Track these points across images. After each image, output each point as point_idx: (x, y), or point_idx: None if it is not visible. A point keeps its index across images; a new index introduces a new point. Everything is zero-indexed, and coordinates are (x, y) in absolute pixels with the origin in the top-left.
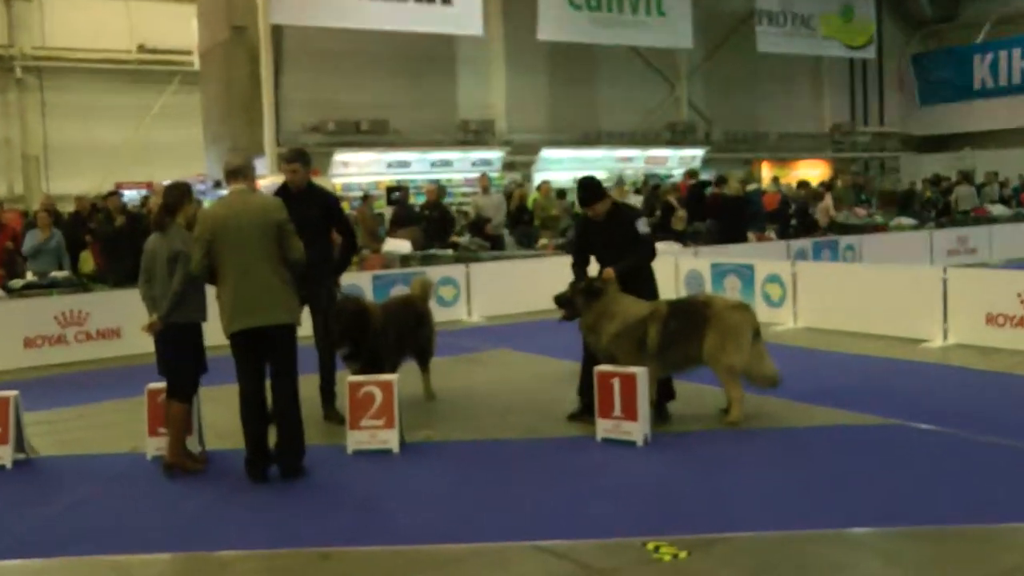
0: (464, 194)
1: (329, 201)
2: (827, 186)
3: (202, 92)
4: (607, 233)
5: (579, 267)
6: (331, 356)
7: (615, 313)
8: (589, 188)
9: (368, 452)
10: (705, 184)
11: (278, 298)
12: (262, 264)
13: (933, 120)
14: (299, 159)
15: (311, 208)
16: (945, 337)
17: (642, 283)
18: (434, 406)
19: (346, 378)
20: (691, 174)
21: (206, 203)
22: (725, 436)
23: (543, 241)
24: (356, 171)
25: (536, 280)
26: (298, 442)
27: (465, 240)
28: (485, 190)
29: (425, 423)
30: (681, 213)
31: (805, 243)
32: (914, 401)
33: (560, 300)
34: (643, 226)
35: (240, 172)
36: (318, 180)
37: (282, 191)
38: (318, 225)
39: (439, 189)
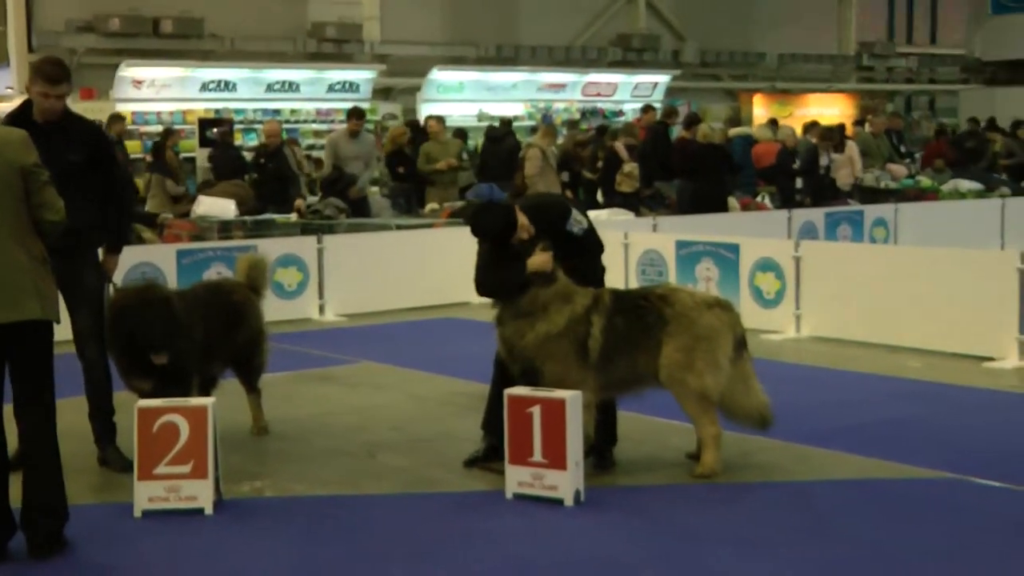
0: (316, 133)
1: (96, 138)
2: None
3: None
4: (526, 252)
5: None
6: (105, 370)
7: (567, 298)
8: (496, 221)
9: (167, 513)
10: (669, 125)
11: (25, 282)
12: (1, 230)
13: (1011, 38)
14: (68, 77)
15: (70, 148)
16: (1022, 354)
17: (583, 273)
18: (267, 444)
19: (134, 403)
20: (650, 109)
21: None
22: (696, 494)
23: (431, 206)
24: (153, 94)
25: (420, 261)
26: (57, 498)
27: (316, 202)
28: (354, 133)
29: (253, 470)
30: (630, 167)
31: (815, 214)
32: (975, 446)
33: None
34: (576, 225)
35: None
36: (95, 105)
37: (20, 120)
38: (81, 175)
39: (279, 127)
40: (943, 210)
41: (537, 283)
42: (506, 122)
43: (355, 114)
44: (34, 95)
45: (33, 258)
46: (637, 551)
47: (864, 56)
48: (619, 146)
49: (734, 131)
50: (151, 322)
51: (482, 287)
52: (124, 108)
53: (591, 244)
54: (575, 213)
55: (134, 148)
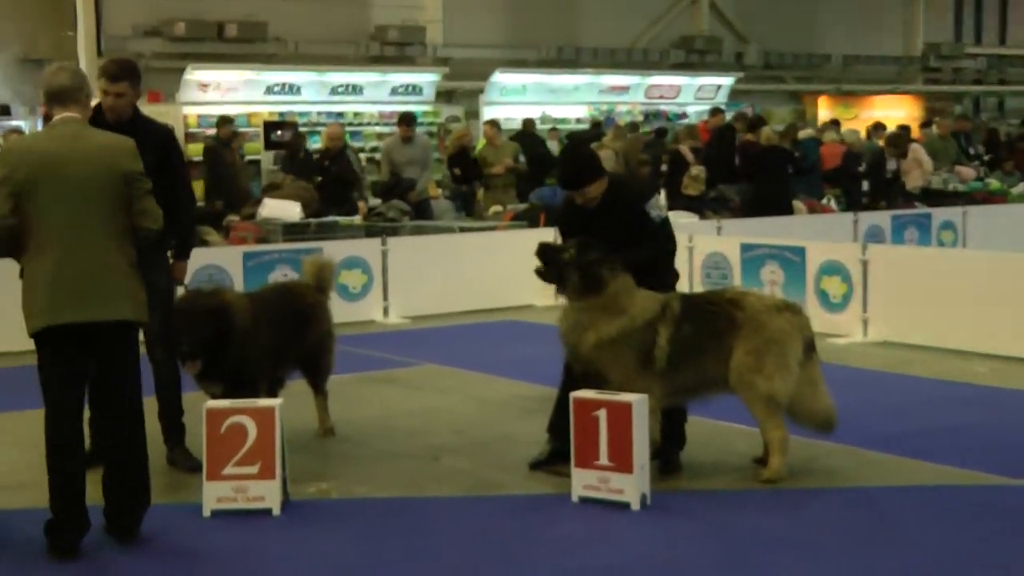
0: (379, 135)
1: (166, 140)
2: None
3: None
4: (602, 223)
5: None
6: (175, 371)
7: (622, 309)
8: (577, 164)
9: (235, 513)
10: (733, 128)
11: (120, 284)
12: (100, 233)
13: None
14: (129, 76)
15: (140, 150)
16: None
17: (657, 278)
18: (333, 446)
19: (202, 405)
20: (718, 112)
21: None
22: (762, 499)
23: (494, 208)
24: (218, 97)
25: (483, 264)
26: (145, 487)
27: (379, 205)
28: (406, 139)
29: (319, 471)
30: (696, 171)
31: (881, 217)
32: None
33: (547, 253)
34: (655, 210)
35: (70, 95)
36: (162, 108)
37: (93, 121)
38: (153, 177)
39: (342, 130)
40: (1012, 213)
41: (592, 287)
42: (595, 123)
43: (405, 120)
44: (100, 94)
45: (129, 262)
46: (702, 556)
47: (931, 57)
48: (684, 149)
49: (803, 133)
50: (189, 330)
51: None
52: (190, 111)
53: (665, 238)
54: (658, 198)
55: (198, 151)
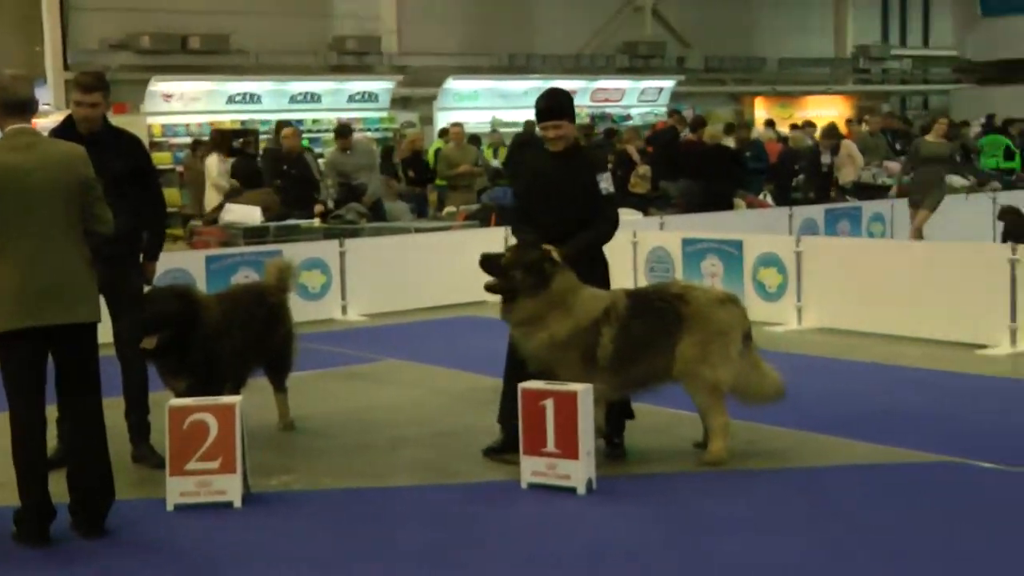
0: None
1: (137, 148)
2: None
3: None
4: (560, 181)
5: (527, 233)
6: (142, 371)
7: (569, 308)
8: (559, 95)
9: (198, 507)
10: (675, 128)
11: (80, 287)
12: (60, 238)
13: (1002, 38)
14: (102, 87)
15: (113, 159)
16: (1014, 341)
17: (592, 266)
18: (294, 440)
19: (166, 402)
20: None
21: None
22: (706, 481)
23: (449, 208)
24: (182, 107)
25: (438, 262)
26: (108, 483)
27: (337, 209)
28: (344, 149)
29: (281, 464)
30: (644, 170)
31: (815, 211)
32: (972, 430)
33: (490, 263)
34: (607, 183)
35: (28, 105)
36: (127, 119)
37: (64, 133)
38: (122, 185)
39: (296, 131)
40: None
41: (541, 283)
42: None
43: (340, 133)
44: (72, 106)
45: (87, 264)
46: (647, 538)
47: (860, 59)
48: (631, 149)
49: (755, 134)
50: (154, 306)
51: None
52: (154, 121)
53: (611, 211)
54: (608, 175)
55: (163, 160)
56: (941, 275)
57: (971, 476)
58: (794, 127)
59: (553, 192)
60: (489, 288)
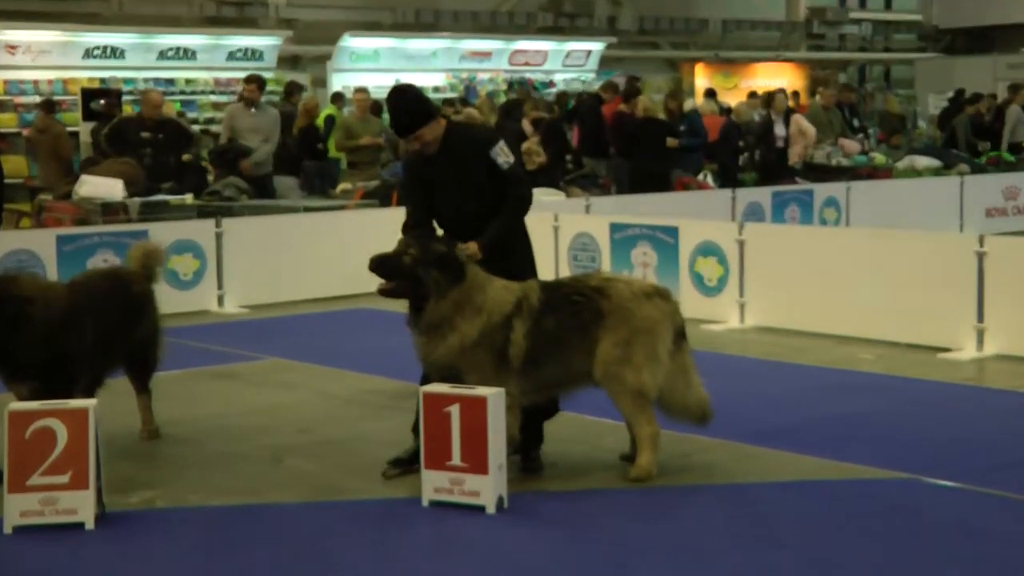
0: (215, 105)
1: None
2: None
3: None
4: (445, 176)
5: (421, 229)
6: None
7: (479, 305)
8: (407, 106)
9: (42, 528)
10: (600, 98)
11: None
12: None
13: (970, 3)
14: None
15: None
16: (980, 344)
17: (512, 251)
18: (161, 450)
19: (5, 407)
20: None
21: None
22: (630, 499)
23: (344, 186)
24: (29, 61)
25: (330, 247)
26: None
27: (213, 182)
28: (251, 103)
29: (142, 479)
30: (529, 144)
31: (761, 194)
32: (928, 443)
33: (388, 264)
34: (502, 156)
35: None
36: None
37: None
38: None
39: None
40: (898, 189)
41: (453, 281)
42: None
43: (254, 80)
44: None
45: None
46: (563, 563)
47: (815, 23)
48: (525, 124)
49: (690, 105)
50: None
51: None
52: None
53: (519, 185)
54: (503, 144)
55: (8, 122)
56: (901, 269)
57: (924, 495)
58: (710, 93)
59: (441, 190)
60: (387, 293)
